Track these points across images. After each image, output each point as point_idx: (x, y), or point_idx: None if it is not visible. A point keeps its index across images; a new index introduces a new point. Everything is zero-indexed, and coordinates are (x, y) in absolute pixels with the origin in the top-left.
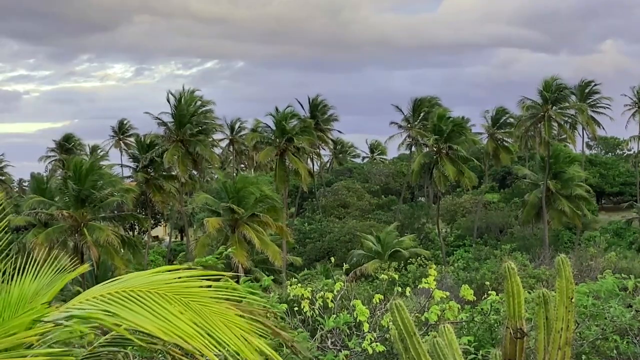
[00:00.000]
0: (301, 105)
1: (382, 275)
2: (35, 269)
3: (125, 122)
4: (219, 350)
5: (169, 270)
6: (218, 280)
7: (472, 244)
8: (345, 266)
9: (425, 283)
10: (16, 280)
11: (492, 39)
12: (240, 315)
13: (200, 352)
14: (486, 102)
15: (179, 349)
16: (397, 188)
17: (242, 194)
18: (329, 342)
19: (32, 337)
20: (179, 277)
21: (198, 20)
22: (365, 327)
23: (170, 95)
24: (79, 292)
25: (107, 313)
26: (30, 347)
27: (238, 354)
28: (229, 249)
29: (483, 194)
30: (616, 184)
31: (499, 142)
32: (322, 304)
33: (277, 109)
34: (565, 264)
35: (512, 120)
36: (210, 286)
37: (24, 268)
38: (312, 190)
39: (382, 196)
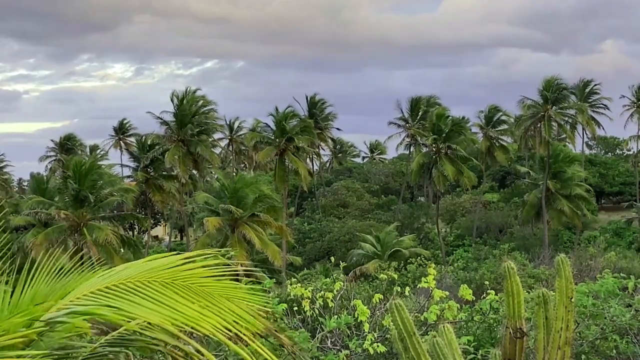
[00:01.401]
0: (299, 105)
1: (382, 275)
2: (47, 271)
3: (125, 122)
4: (227, 331)
5: (164, 257)
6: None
7: (471, 243)
8: (343, 264)
9: (425, 282)
10: (27, 283)
11: (492, 39)
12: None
13: (200, 352)
14: (486, 102)
15: (180, 351)
16: (397, 188)
17: (241, 194)
18: (329, 342)
19: (30, 335)
20: (175, 262)
21: (198, 20)
22: (366, 327)
23: (173, 95)
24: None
25: (109, 308)
26: (28, 346)
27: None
28: (231, 252)
29: (482, 194)
30: (616, 183)
31: (494, 140)
32: (322, 303)
33: (277, 109)
34: (564, 264)
35: (505, 118)
36: (208, 267)
37: (35, 270)
38: (311, 190)
39: (382, 196)
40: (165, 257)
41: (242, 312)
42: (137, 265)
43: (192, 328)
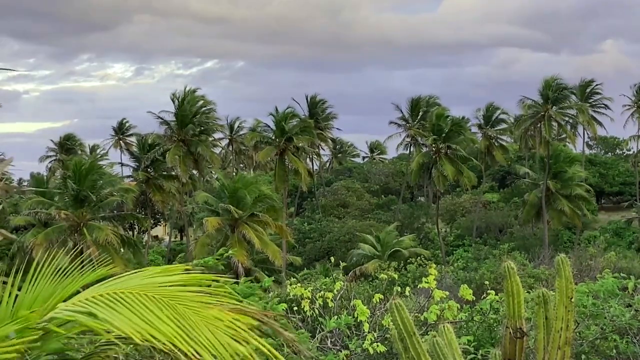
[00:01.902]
0: (300, 105)
1: (382, 275)
2: (49, 274)
3: (125, 121)
4: (194, 354)
5: (169, 271)
6: (217, 281)
7: (471, 243)
8: (343, 264)
9: (426, 282)
10: (30, 285)
11: (492, 39)
12: (238, 316)
13: (198, 353)
14: (486, 102)
15: (179, 351)
16: (397, 188)
17: (241, 194)
18: (329, 342)
19: (21, 345)
20: (176, 281)
21: (198, 20)
22: (366, 327)
23: (173, 96)
24: (78, 293)
25: (87, 316)
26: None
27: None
28: (230, 251)
29: (482, 194)
30: (616, 183)
31: (493, 140)
32: (321, 303)
33: (277, 109)
34: (564, 264)
35: (504, 116)
36: (209, 286)
37: (37, 273)
38: (311, 190)
39: (382, 196)
40: (171, 271)
41: (216, 343)
42: (138, 278)
43: (163, 345)
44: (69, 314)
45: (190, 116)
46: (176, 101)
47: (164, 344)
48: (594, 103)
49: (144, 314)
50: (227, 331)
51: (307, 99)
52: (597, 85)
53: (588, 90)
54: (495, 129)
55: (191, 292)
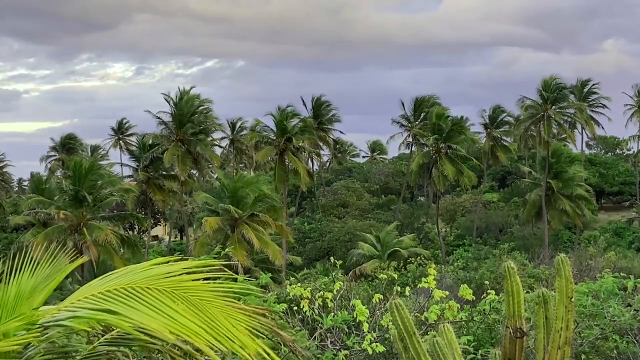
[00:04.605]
0: (304, 105)
1: (382, 274)
2: (33, 266)
3: (124, 121)
4: (223, 347)
5: (167, 262)
6: (216, 278)
7: (471, 243)
8: (339, 262)
9: (425, 282)
10: (14, 278)
11: (493, 38)
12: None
13: (200, 351)
14: (487, 102)
15: (177, 349)
16: (397, 188)
17: (241, 193)
18: (328, 342)
19: (26, 340)
20: (176, 271)
21: (198, 19)
22: (365, 326)
23: (169, 95)
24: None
25: (110, 312)
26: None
27: (242, 348)
28: (227, 249)
29: (482, 194)
30: (616, 183)
31: (497, 140)
32: (321, 303)
33: (278, 109)
34: (564, 264)
35: (509, 118)
36: (207, 279)
37: (21, 266)
38: (311, 189)
39: (382, 196)
40: (169, 263)
41: (238, 333)
42: (139, 271)
43: (189, 338)
44: (88, 313)
45: (188, 115)
46: (171, 101)
47: (192, 340)
48: (591, 102)
49: (163, 310)
50: (248, 322)
51: (312, 99)
52: (594, 84)
53: (585, 89)
54: (500, 130)
55: (196, 280)
